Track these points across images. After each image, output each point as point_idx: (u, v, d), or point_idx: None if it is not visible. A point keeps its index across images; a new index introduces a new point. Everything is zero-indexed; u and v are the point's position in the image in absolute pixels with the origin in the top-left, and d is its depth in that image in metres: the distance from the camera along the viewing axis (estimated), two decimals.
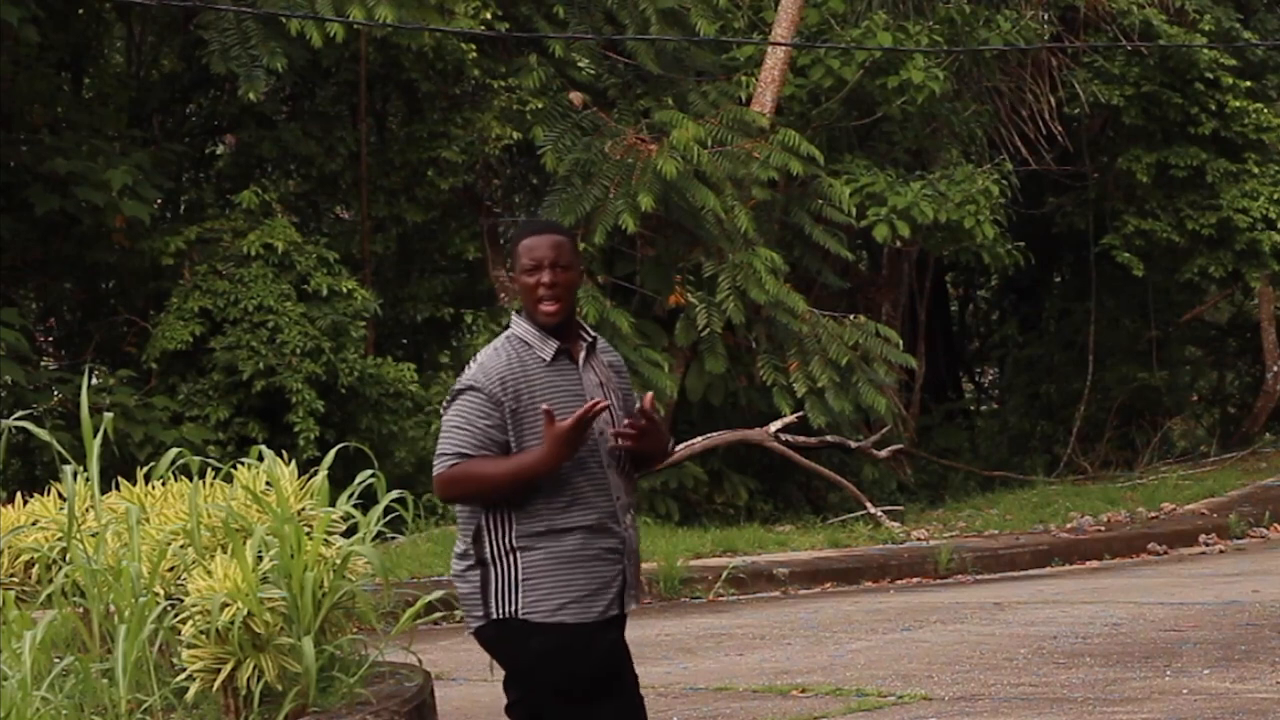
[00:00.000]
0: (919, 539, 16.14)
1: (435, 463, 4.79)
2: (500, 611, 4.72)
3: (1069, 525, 16.83)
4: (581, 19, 17.96)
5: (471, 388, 4.77)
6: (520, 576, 4.71)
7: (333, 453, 6.42)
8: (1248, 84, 20.71)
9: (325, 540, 5.98)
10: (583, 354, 4.89)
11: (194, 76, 17.77)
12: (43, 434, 6.39)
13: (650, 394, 4.89)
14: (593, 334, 4.98)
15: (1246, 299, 24.97)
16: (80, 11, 16.95)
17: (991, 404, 27.01)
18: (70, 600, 6.07)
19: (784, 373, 17.13)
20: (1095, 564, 15.47)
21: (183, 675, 5.76)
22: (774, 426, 17.08)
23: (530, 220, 4.62)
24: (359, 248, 17.41)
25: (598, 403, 4.68)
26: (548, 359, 4.81)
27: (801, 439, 17.19)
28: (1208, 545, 16.27)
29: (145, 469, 6.63)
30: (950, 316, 26.34)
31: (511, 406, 4.74)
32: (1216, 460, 21.89)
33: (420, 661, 6.48)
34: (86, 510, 6.26)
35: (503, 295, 17.93)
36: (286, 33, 15.56)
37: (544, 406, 4.67)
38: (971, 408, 26.21)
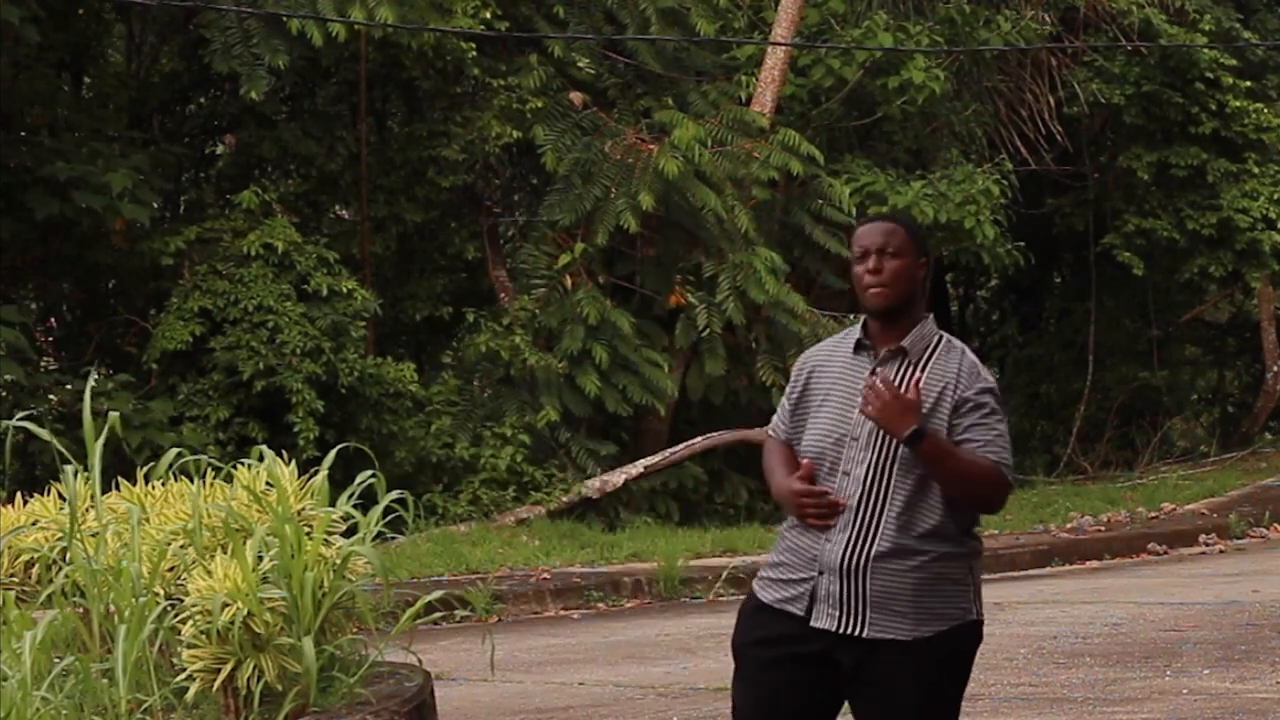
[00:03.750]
0: None
1: None
2: None
3: (1069, 525, 16.83)
4: (581, 19, 17.97)
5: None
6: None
7: (333, 453, 6.41)
8: (1248, 84, 20.73)
9: (325, 540, 5.97)
10: (882, 355, 4.68)
11: (194, 76, 17.78)
12: (44, 434, 6.39)
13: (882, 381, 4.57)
14: (929, 347, 4.68)
15: (1246, 299, 24.98)
16: (80, 11, 16.95)
17: None
18: (70, 600, 6.07)
19: (784, 373, 17.12)
20: (1095, 564, 15.48)
21: (183, 675, 5.75)
22: None
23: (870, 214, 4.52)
24: (359, 248, 17.42)
25: (818, 493, 4.58)
26: (850, 351, 4.75)
27: None
28: (1208, 545, 16.28)
29: (145, 469, 6.63)
30: (950, 316, 26.33)
31: (802, 386, 4.78)
32: (1216, 460, 21.90)
33: (420, 661, 6.47)
34: (87, 510, 6.26)
35: (503, 295, 17.94)
36: (287, 31, 15.58)
37: (807, 460, 4.65)
38: None
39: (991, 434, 4.61)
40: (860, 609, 4.58)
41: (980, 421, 4.61)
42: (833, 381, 4.72)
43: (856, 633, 4.58)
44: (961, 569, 4.66)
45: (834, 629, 4.59)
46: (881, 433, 4.58)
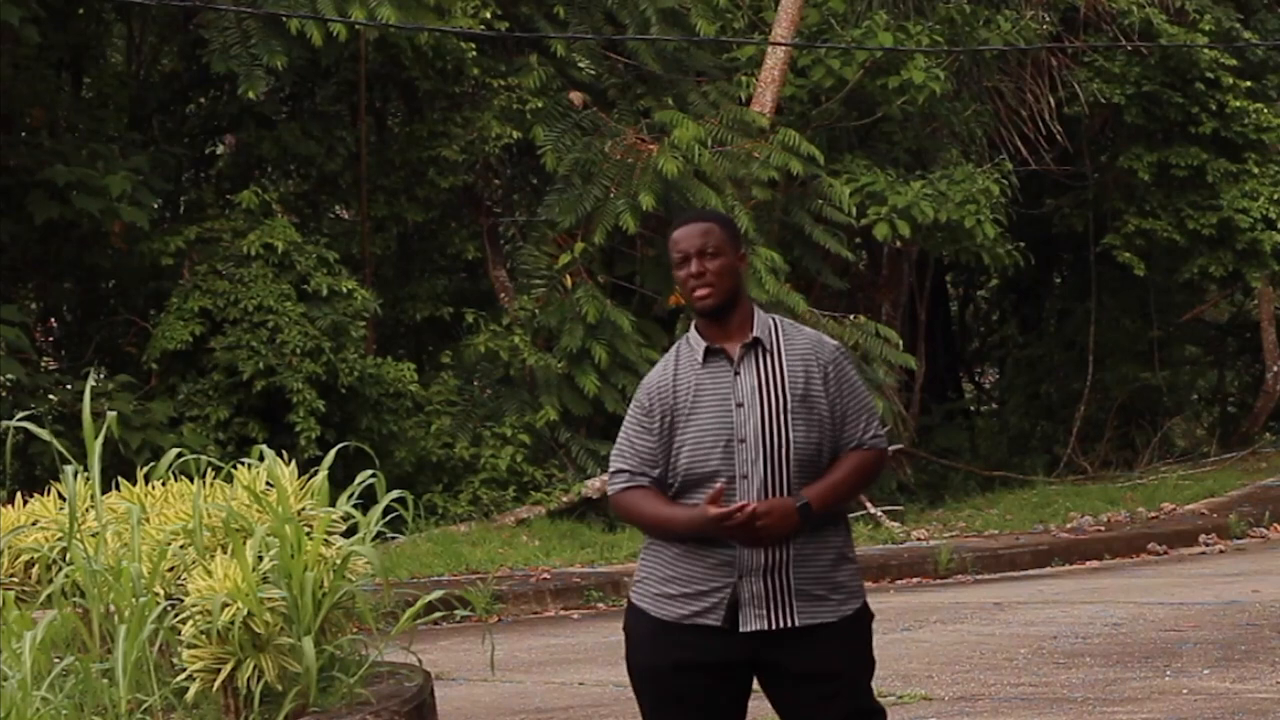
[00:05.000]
0: (919, 539, 16.14)
1: (609, 478, 4.80)
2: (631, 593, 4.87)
3: (1069, 525, 16.83)
4: (581, 19, 17.97)
5: (634, 400, 4.80)
6: (641, 562, 4.79)
7: (333, 453, 6.41)
8: (1248, 84, 20.72)
9: (325, 540, 5.97)
10: (738, 353, 4.69)
11: (194, 76, 17.78)
12: (44, 434, 6.39)
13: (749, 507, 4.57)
14: (772, 329, 4.72)
15: (1246, 299, 24.98)
16: (80, 11, 16.95)
17: (991, 404, 27.01)
18: (70, 600, 6.06)
19: None
20: (1095, 564, 15.47)
21: (183, 675, 5.75)
22: None
23: (681, 213, 4.44)
24: (359, 248, 17.42)
25: (743, 507, 4.52)
26: (700, 360, 4.71)
27: None
28: (1208, 545, 16.27)
29: (145, 469, 6.63)
30: (950, 316, 26.34)
31: (662, 415, 4.70)
32: (1216, 460, 21.90)
33: (420, 661, 6.47)
34: (87, 510, 6.25)
35: (503, 295, 17.93)
36: (287, 32, 15.58)
37: (719, 484, 4.57)
38: (971, 408, 26.22)
39: (864, 409, 4.75)
40: (788, 600, 4.64)
41: (851, 397, 4.73)
42: (695, 398, 4.69)
43: (788, 624, 4.63)
44: (851, 547, 4.80)
45: (766, 627, 4.63)
46: (769, 430, 4.64)
